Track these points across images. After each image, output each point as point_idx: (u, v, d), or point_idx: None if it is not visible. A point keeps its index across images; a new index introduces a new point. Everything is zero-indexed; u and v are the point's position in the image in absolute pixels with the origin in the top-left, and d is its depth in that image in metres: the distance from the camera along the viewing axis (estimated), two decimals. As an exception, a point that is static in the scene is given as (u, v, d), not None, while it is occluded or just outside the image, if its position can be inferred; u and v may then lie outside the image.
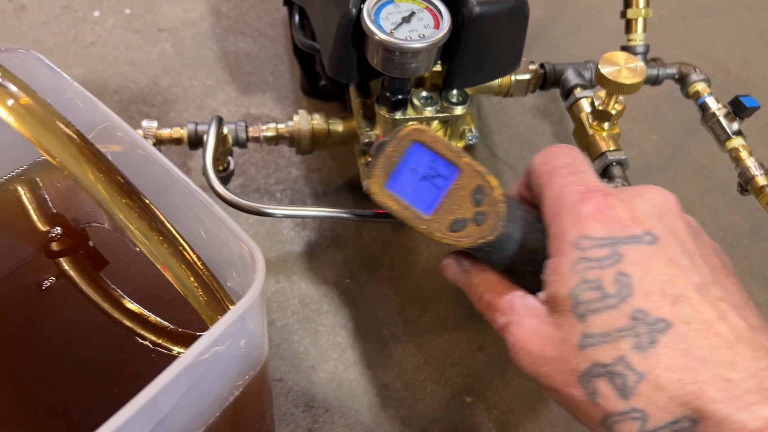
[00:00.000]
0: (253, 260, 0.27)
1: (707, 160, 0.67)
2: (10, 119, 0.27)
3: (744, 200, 0.54)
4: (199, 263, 0.32)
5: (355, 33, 0.44)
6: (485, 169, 0.36)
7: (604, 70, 0.45)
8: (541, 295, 0.33)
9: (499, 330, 0.35)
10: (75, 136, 0.30)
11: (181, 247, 0.32)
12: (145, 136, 0.50)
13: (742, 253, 0.62)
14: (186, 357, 0.24)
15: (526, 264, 0.35)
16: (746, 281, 0.60)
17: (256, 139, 0.53)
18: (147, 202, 0.31)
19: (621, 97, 0.47)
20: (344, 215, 0.48)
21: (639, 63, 0.45)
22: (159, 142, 0.52)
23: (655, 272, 0.31)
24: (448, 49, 0.45)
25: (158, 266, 0.32)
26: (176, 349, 0.35)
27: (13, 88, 0.28)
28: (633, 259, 0.31)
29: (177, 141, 0.52)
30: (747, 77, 0.75)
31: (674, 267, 0.31)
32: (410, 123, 0.36)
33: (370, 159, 0.54)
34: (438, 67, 0.47)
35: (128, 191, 0.31)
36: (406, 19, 0.43)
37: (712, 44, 0.78)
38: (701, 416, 0.28)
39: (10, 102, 0.28)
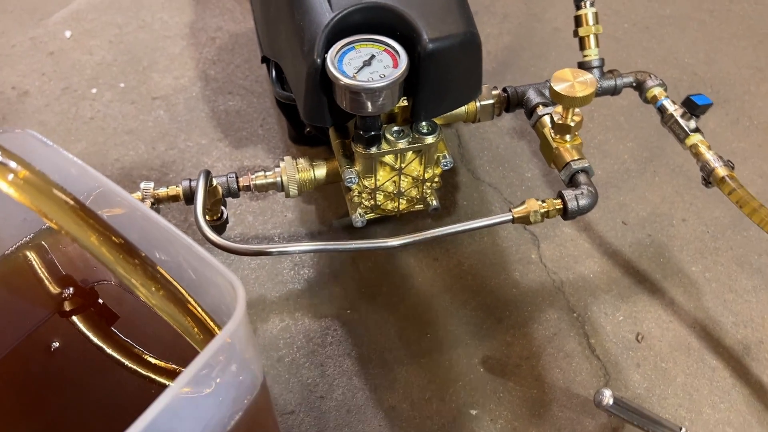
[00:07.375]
0: (233, 289, 0.30)
1: (683, 160, 0.70)
2: (11, 191, 0.31)
3: (722, 194, 0.56)
4: (194, 303, 0.35)
5: (323, 80, 0.48)
6: None
7: (557, 87, 0.48)
8: None
9: None
10: (72, 202, 0.33)
11: (176, 292, 0.35)
12: (144, 197, 0.54)
13: (726, 243, 0.64)
14: (177, 383, 0.27)
15: None
16: (733, 270, 0.62)
17: (247, 188, 0.57)
18: (142, 254, 0.35)
19: (578, 110, 0.50)
20: (336, 248, 0.51)
21: (588, 75, 0.48)
22: (158, 201, 0.55)
23: None
24: (410, 85, 0.49)
25: (156, 311, 0.35)
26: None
27: (12, 164, 0.32)
28: None
29: (174, 198, 0.55)
30: (713, 76, 0.78)
31: None
32: None
33: (356, 195, 0.58)
34: (404, 102, 0.51)
35: (124, 246, 0.34)
36: (367, 63, 0.47)
37: (676, 49, 0.81)
38: None
39: (11, 177, 0.31)
